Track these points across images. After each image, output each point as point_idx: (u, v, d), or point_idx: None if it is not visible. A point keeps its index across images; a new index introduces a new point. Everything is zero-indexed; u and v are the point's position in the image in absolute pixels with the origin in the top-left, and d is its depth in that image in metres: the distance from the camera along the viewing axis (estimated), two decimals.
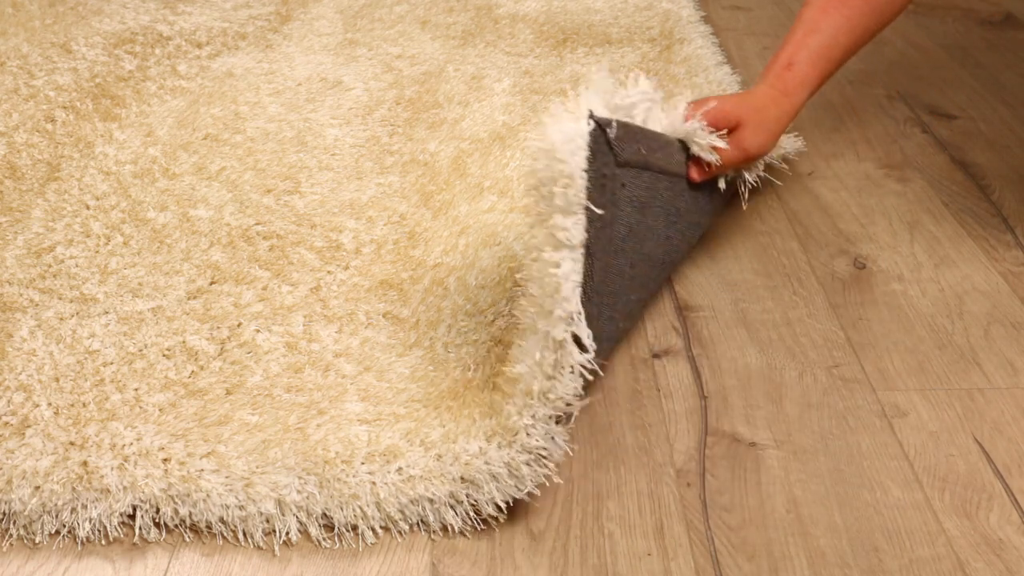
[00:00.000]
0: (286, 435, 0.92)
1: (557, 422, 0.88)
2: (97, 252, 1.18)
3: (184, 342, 1.04)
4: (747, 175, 1.18)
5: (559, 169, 0.83)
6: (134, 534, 0.87)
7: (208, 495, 0.87)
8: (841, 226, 1.28)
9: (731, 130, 1.10)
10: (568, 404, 0.86)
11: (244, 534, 0.87)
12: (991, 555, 0.85)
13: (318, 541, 0.86)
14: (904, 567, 0.84)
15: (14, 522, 0.87)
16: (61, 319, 1.07)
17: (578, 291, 0.84)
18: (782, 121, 1.15)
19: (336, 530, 0.87)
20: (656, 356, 1.07)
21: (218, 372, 1.00)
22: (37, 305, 1.09)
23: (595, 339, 0.87)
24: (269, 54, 1.70)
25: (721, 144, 1.08)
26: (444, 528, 0.87)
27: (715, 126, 1.09)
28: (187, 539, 0.87)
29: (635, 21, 1.83)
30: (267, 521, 0.87)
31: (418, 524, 0.87)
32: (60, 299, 1.10)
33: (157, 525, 0.87)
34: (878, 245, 1.24)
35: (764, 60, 1.76)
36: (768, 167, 1.28)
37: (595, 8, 1.89)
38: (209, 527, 0.87)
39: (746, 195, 1.19)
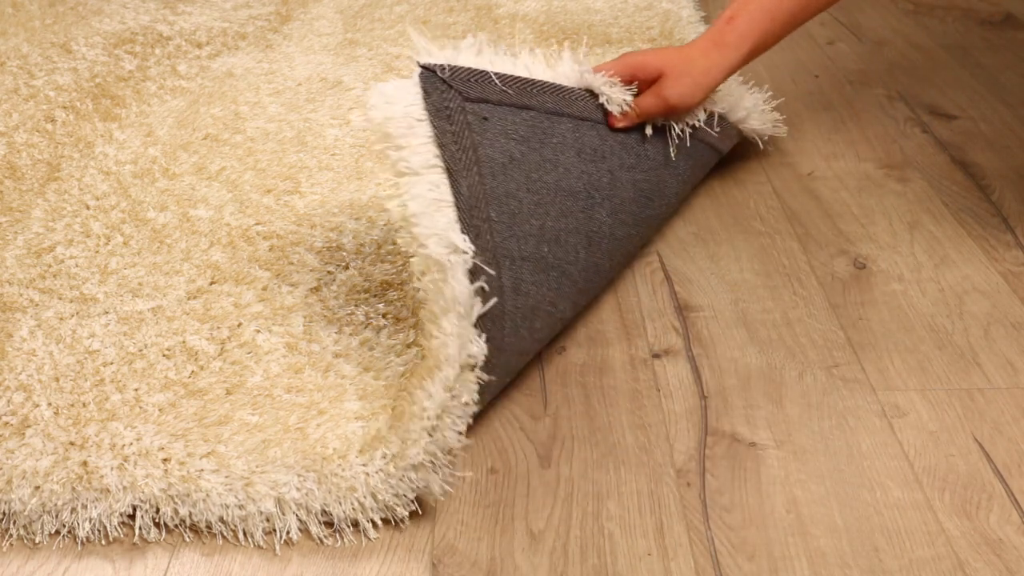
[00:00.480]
0: (286, 435, 0.92)
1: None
2: (97, 252, 1.18)
3: (184, 342, 1.04)
4: (675, 125, 1.19)
5: (390, 110, 0.91)
6: (134, 534, 0.87)
7: (208, 495, 0.87)
8: (841, 226, 1.28)
9: (653, 80, 1.13)
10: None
11: (244, 533, 0.87)
12: (991, 555, 0.85)
13: (319, 539, 0.86)
14: (904, 567, 0.84)
15: (14, 522, 0.87)
16: (61, 319, 1.07)
17: (446, 210, 0.90)
18: (711, 73, 1.16)
19: (336, 527, 0.87)
20: (656, 356, 1.07)
21: (218, 372, 1.00)
22: (37, 305, 1.09)
23: (502, 249, 0.93)
24: (269, 54, 1.70)
25: (625, 96, 1.11)
26: (443, 525, 0.87)
27: (634, 76, 1.13)
28: (187, 539, 0.87)
29: (635, 21, 1.83)
30: (267, 520, 0.87)
31: (417, 509, 0.87)
32: (60, 299, 1.10)
33: (157, 525, 0.87)
34: (878, 245, 1.24)
35: (764, 60, 1.75)
36: (749, 146, 1.28)
37: (595, 8, 1.89)
38: (209, 527, 0.87)
39: (674, 151, 1.19)
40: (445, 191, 0.91)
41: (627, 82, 1.13)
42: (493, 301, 0.91)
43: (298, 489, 0.87)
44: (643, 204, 1.13)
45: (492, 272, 0.92)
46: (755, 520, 0.88)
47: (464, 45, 1.01)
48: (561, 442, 0.96)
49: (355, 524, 0.87)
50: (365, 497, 0.86)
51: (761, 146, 1.38)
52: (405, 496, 0.86)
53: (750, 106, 1.32)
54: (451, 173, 0.92)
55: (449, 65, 0.98)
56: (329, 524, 0.87)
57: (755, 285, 1.17)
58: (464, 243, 0.89)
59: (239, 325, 1.06)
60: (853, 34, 1.87)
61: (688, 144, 1.20)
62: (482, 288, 0.90)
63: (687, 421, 0.98)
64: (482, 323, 0.90)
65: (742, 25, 1.16)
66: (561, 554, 0.85)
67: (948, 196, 1.35)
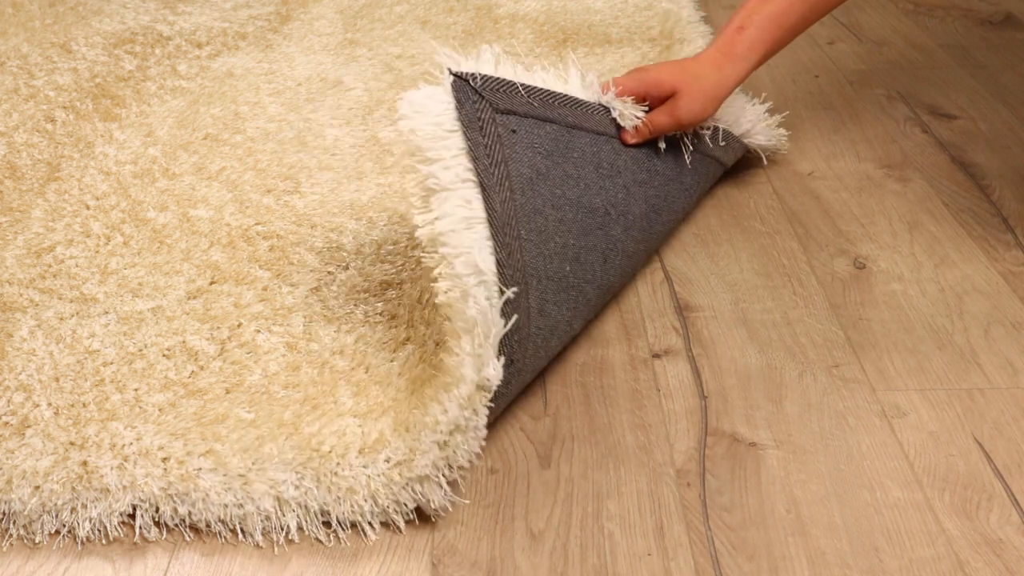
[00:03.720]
0: (280, 430, 0.92)
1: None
2: (97, 252, 1.18)
3: (184, 342, 1.04)
4: (686, 139, 1.18)
5: (421, 120, 0.88)
6: (134, 534, 0.87)
7: (207, 494, 0.87)
8: (841, 226, 1.28)
9: (667, 97, 1.13)
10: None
11: (243, 532, 0.87)
12: (991, 555, 0.85)
13: (318, 540, 0.86)
14: (904, 567, 0.84)
15: (14, 522, 0.87)
16: (61, 319, 1.07)
17: (478, 227, 0.87)
18: (722, 85, 1.15)
19: (333, 527, 0.87)
20: (656, 356, 1.07)
21: (218, 372, 1.00)
22: (37, 305, 1.09)
23: (531, 268, 0.91)
24: (269, 54, 1.70)
25: (638, 112, 1.11)
26: (443, 525, 0.87)
27: (648, 94, 1.12)
28: (187, 538, 0.87)
29: (635, 21, 1.83)
30: (266, 519, 0.87)
31: (416, 517, 0.87)
32: (60, 299, 1.10)
33: (157, 524, 0.87)
34: (878, 245, 1.24)
35: None
36: (750, 157, 1.28)
37: (595, 8, 1.89)
38: (208, 526, 0.87)
39: (689, 158, 1.18)
40: (478, 207, 0.88)
41: (640, 100, 1.12)
42: (515, 319, 0.89)
43: (296, 487, 0.87)
44: (652, 219, 1.13)
45: (519, 293, 0.89)
46: (755, 520, 0.88)
47: (484, 55, 0.98)
48: (561, 442, 0.96)
49: (353, 525, 0.87)
50: (365, 500, 0.86)
51: (765, 161, 1.38)
52: (405, 505, 0.86)
53: (752, 118, 1.32)
54: (484, 188, 0.88)
55: (480, 74, 0.94)
56: (328, 525, 0.87)
57: (755, 285, 1.17)
58: (491, 265, 0.86)
59: (239, 325, 1.06)
60: (853, 34, 1.87)
61: (695, 156, 1.20)
62: (508, 310, 0.87)
63: (687, 421, 0.98)
64: (506, 345, 0.88)
65: (752, 34, 1.16)
66: (561, 554, 0.85)
67: (948, 196, 1.35)
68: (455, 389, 0.85)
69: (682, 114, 1.12)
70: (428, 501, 0.86)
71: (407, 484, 0.86)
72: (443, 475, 0.86)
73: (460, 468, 0.88)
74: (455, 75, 0.93)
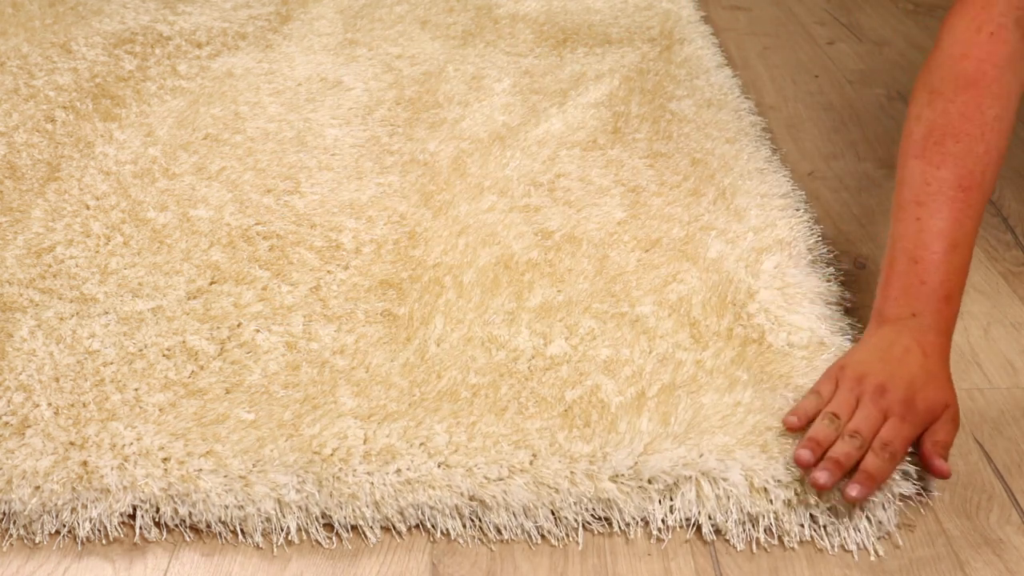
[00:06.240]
0: (280, 430, 0.92)
1: None
2: (97, 252, 1.18)
3: (184, 342, 1.04)
4: None
5: None
6: (134, 534, 0.87)
7: (207, 495, 0.87)
8: (841, 226, 1.28)
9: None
10: None
11: (243, 533, 0.87)
12: (991, 555, 0.85)
13: (318, 541, 0.86)
14: (904, 567, 0.84)
15: (14, 522, 0.87)
16: (61, 319, 1.07)
17: None
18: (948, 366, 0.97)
19: (336, 530, 0.87)
20: None
21: (218, 372, 1.00)
22: (37, 305, 1.09)
23: None
24: (269, 54, 1.70)
25: (948, 469, 0.90)
26: (444, 531, 0.87)
27: (931, 421, 0.92)
28: (187, 539, 0.87)
29: (635, 21, 1.83)
30: (266, 520, 0.87)
31: (417, 526, 0.87)
32: (60, 299, 1.10)
33: (157, 525, 0.87)
34: (878, 245, 1.24)
35: (764, 60, 1.76)
36: None
37: (595, 8, 1.89)
38: (209, 527, 0.87)
39: None
40: None
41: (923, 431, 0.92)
42: None
43: (297, 491, 0.87)
44: None
45: None
46: None
47: None
48: None
49: (354, 527, 0.87)
50: (367, 507, 0.86)
51: None
52: (410, 513, 0.87)
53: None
54: None
55: None
56: (329, 527, 0.87)
57: None
58: None
59: (239, 325, 1.06)
60: (853, 34, 1.87)
61: None
62: None
63: None
64: None
65: (958, 304, 0.98)
66: (561, 554, 0.85)
67: None
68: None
69: (958, 421, 0.94)
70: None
71: (417, 504, 0.86)
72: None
73: None
74: None
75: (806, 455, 0.86)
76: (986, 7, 1.02)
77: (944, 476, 0.88)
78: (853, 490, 0.84)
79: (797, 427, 0.91)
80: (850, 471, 0.86)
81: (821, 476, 0.84)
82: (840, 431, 0.88)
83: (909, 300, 0.96)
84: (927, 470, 0.89)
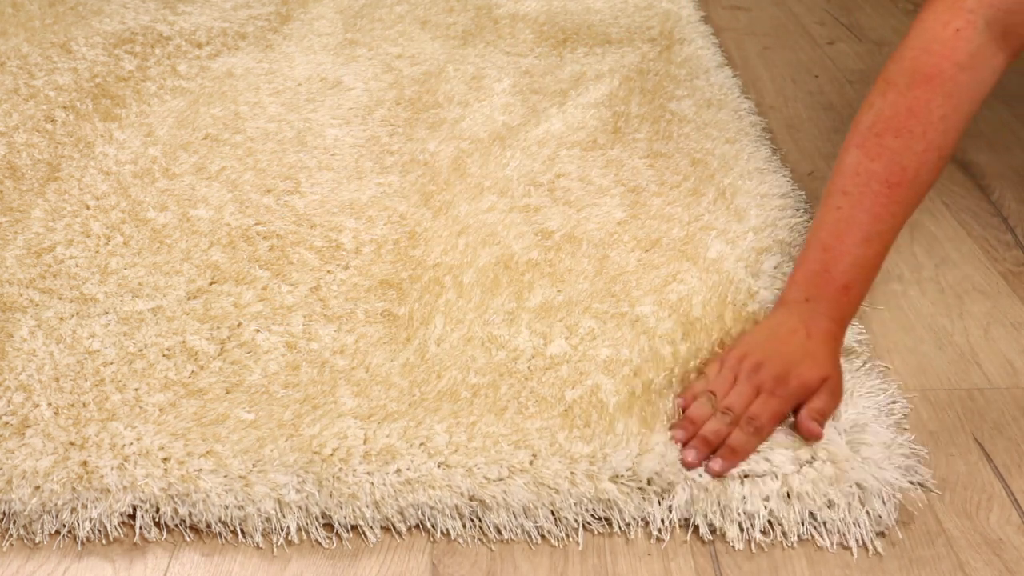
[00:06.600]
0: (280, 430, 0.92)
1: None
2: (97, 252, 1.18)
3: (184, 342, 1.04)
4: None
5: None
6: (134, 534, 0.87)
7: (207, 495, 0.87)
8: None
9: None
10: None
11: (243, 533, 0.87)
12: (991, 555, 0.85)
13: (318, 541, 0.86)
14: (904, 567, 0.84)
15: (14, 522, 0.87)
16: (61, 319, 1.07)
17: None
18: (838, 352, 0.99)
19: (336, 530, 0.87)
20: None
21: (218, 372, 1.00)
22: (37, 305, 1.09)
23: None
24: (269, 54, 1.70)
25: (819, 431, 0.92)
26: (444, 531, 0.87)
27: (805, 397, 0.94)
28: (187, 539, 0.87)
29: (635, 21, 1.83)
30: (267, 520, 0.87)
31: (417, 526, 0.87)
32: (60, 299, 1.10)
33: (157, 525, 0.87)
34: None
35: (764, 60, 1.76)
36: None
37: (595, 8, 1.89)
38: (209, 527, 0.87)
39: None
40: None
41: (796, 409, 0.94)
42: None
43: (297, 491, 0.87)
44: None
45: None
46: None
47: None
48: None
49: (354, 527, 0.87)
50: (367, 507, 0.86)
51: None
52: (410, 513, 0.87)
53: None
54: None
55: None
56: (329, 527, 0.87)
57: None
58: None
59: (239, 325, 1.06)
60: (853, 34, 1.87)
61: None
62: None
63: None
64: None
65: (858, 294, 1.00)
66: (561, 554, 0.85)
67: (948, 196, 1.35)
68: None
69: (839, 390, 0.96)
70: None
71: (417, 504, 0.86)
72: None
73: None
74: None
75: (679, 434, 0.91)
76: (957, 2, 1.01)
77: (814, 437, 0.91)
78: (716, 465, 0.88)
79: (684, 408, 0.94)
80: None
81: (688, 454, 0.89)
82: (716, 409, 0.92)
83: (808, 286, 0.99)
84: (800, 434, 0.91)
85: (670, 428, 0.92)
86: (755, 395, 0.92)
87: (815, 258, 1.00)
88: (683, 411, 0.94)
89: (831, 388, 0.94)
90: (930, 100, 0.99)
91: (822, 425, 0.92)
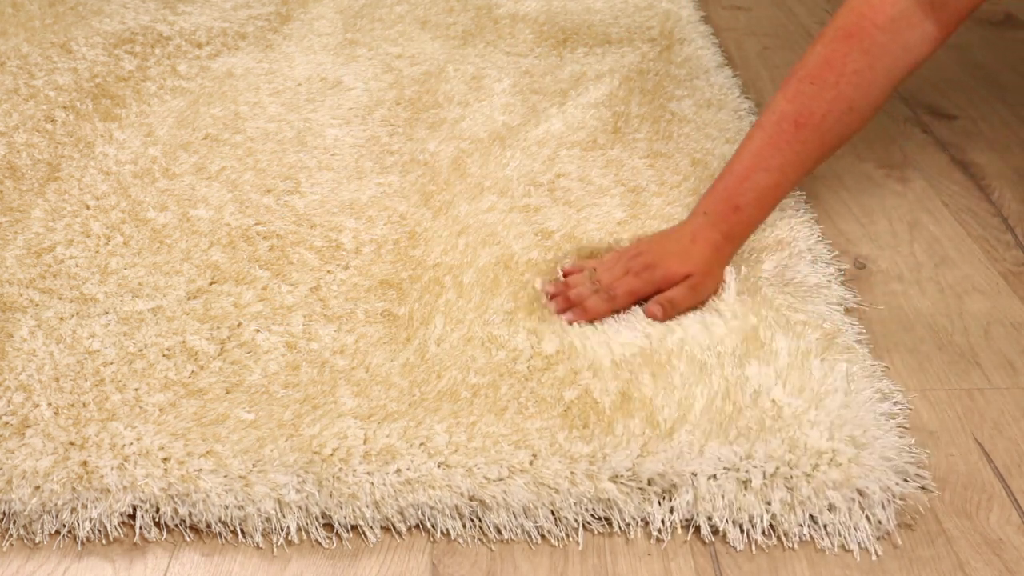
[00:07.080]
0: (280, 430, 0.92)
1: None
2: (97, 252, 1.18)
3: (184, 342, 1.04)
4: None
5: None
6: (134, 534, 0.87)
7: (207, 495, 0.87)
8: (841, 226, 1.28)
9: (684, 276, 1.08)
10: None
11: (243, 533, 0.87)
12: (991, 555, 0.85)
13: (318, 541, 0.86)
14: (904, 567, 0.84)
15: (14, 522, 0.87)
16: (61, 319, 1.07)
17: None
18: (724, 264, 1.11)
19: (336, 530, 0.87)
20: None
21: (218, 372, 1.00)
22: (37, 305, 1.09)
23: None
24: (269, 54, 1.70)
25: (659, 314, 1.06)
26: (444, 531, 0.87)
27: (659, 289, 1.07)
28: (187, 539, 0.87)
29: (635, 21, 1.83)
30: (267, 520, 0.87)
31: (417, 526, 0.88)
32: (60, 299, 1.10)
33: (157, 525, 0.87)
34: (878, 245, 1.24)
35: (764, 60, 1.76)
36: None
37: (595, 8, 1.89)
38: (209, 527, 0.87)
39: None
40: None
41: (652, 295, 1.08)
42: None
43: (297, 491, 0.87)
44: None
45: None
46: None
47: None
48: None
49: (354, 527, 0.87)
50: (367, 507, 0.86)
51: None
52: (410, 513, 0.87)
53: None
54: None
55: None
56: (329, 527, 0.87)
57: None
58: None
59: (239, 325, 1.06)
60: None
61: None
62: None
63: None
64: None
65: (749, 215, 1.11)
66: (561, 554, 0.85)
67: (948, 196, 1.35)
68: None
69: (703, 294, 1.08)
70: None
71: (417, 504, 0.86)
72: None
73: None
74: None
75: (550, 288, 1.10)
76: None
77: (653, 318, 1.05)
78: (568, 315, 1.06)
79: (566, 273, 1.12)
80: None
81: (551, 304, 1.08)
82: (591, 281, 1.08)
83: (709, 203, 1.12)
84: (644, 313, 1.06)
85: (549, 285, 1.10)
86: (624, 275, 1.08)
87: (720, 181, 1.12)
88: (564, 275, 1.11)
89: (692, 284, 1.07)
90: (847, 54, 1.08)
91: (668, 314, 1.05)
